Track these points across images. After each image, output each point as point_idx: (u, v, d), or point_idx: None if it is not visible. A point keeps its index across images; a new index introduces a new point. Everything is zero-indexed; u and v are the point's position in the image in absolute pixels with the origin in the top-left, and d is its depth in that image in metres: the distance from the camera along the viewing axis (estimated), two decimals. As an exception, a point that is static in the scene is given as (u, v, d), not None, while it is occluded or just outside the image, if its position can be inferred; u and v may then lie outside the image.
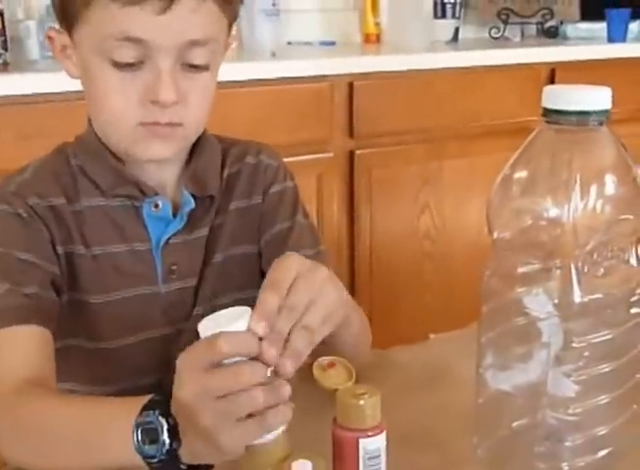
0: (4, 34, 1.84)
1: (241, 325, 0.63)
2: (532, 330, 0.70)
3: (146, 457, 0.65)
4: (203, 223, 0.95)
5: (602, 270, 0.69)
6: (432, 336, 1.12)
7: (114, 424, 0.68)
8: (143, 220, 0.91)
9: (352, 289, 2.11)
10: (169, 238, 0.92)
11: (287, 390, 0.63)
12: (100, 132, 0.90)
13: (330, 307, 0.68)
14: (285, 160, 1.05)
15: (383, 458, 0.68)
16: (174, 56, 0.82)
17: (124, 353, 0.93)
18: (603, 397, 0.72)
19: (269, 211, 0.99)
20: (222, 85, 0.94)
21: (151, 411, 0.65)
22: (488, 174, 0.78)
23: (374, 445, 0.67)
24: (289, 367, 0.63)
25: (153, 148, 0.86)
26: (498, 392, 0.75)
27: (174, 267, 0.93)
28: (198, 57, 0.84)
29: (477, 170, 2.24)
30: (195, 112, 0.86)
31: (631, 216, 0.70)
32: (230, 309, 0.66)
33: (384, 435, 0.68)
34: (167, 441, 0.64)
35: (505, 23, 2.70)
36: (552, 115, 0.69)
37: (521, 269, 0.71)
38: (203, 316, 0.66)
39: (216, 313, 0.66)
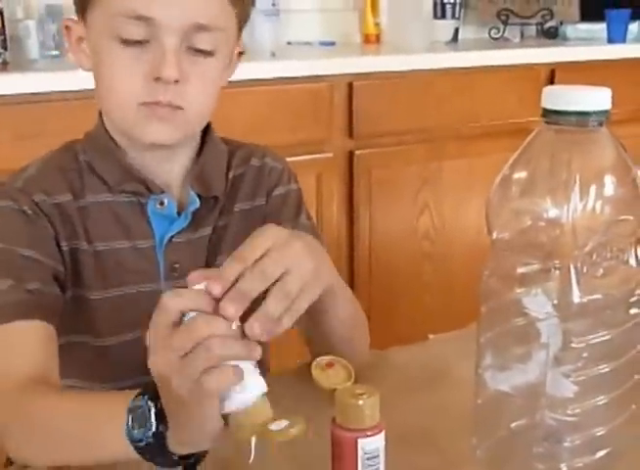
0: (3, 34, 1.85)
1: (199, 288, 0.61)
2: (531, 330, 0.70)
3: (134, 441, 0.65)
4: (206, 223, 0.95)
5: (601, 271, 0.69)
6: (431, 336, 1.12)
7: (114, 421, 0.68)
8: (148, 218, 0.92)
9: (352, 289, 2.10)
10: (173, 236, 0.92)
11: (249, 343, 0.60)
12: (107, 121, 0.92)
13: (306, 277, 0.63)
14: (285, 160, 1.06)
15: (381, 458, 0.68)
16: (180, 37, 0.84)
17: (124, 350, 0.93)
18: (601, 397, 0.72)
19: (272, 213, 1.00)
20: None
21: (141, 396, 0.65)
22: (488, 175, 0.78)
23: (373, 445, 0.67)
24: (234, 312, 0.59)
25: (152, 129, 0.87)
26: (497, 392, 0.75)
27: (177, 266, 0.93)
28: (203, 41, 0.85)
29: (476, 171, 2.24)
30: (196, 95, 0.87)
31: (631, 217, 0.70)
32: None
33: (382, 435, 0.68)
34: (154, 423, 0.63)
35: (505, 23, 2.70)
36: (551, 115, 0.69)
37: (520, 270, 0.71)
38: None
39: None
